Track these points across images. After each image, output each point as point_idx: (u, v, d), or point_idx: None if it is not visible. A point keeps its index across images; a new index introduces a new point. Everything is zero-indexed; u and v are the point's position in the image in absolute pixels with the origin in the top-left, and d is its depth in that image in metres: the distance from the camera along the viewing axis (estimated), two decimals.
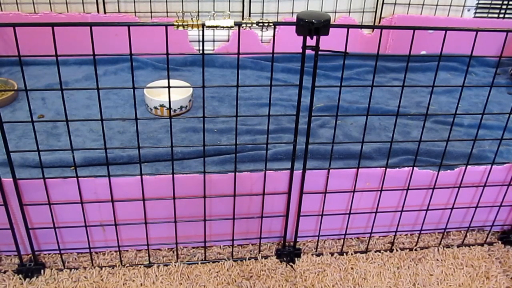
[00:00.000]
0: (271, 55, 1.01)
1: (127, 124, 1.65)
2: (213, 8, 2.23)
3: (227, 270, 1.20)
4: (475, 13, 2.44)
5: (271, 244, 1.29)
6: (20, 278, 1.14)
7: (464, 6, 2.41)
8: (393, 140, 1.16)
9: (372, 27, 2.49)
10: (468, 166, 1.20)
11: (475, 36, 0.99)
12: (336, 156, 1.53)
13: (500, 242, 1.33)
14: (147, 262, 1.21)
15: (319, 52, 0.94)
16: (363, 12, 2.38)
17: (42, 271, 1.16)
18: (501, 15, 2.43)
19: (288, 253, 1.24)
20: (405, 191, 1.21)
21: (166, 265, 1.20)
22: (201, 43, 2.26)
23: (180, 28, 0.89)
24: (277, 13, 2.30)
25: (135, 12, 2.21)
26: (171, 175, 1.08)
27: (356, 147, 1.53)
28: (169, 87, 0.99)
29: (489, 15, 2.44)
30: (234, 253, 1.25)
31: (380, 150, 1.54)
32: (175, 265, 1.20)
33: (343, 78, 1.03)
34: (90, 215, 1.13)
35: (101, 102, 0.97)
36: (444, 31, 0.98)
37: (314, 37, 0.91)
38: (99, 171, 1.39)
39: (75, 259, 1.21)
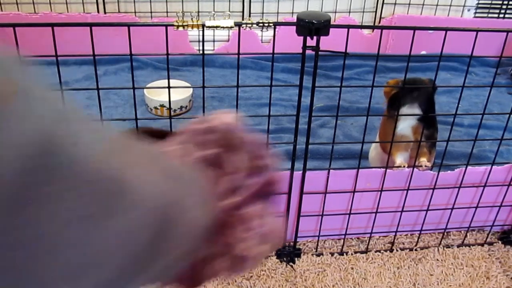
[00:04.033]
0: (271, 55, 1.00)
1: (127, 124, 1.65)
2: (213, 8, 2.23)
3: None
4: (475, 13, 2.44)
5: None
6: None
7: (464, 6, 2.41)
8: (393, 140, 1.16)
9: (372, 27, 2.49)
10: (469, 167, 1.20)
11: (475, 36, 0.99)
12: (336, 156, 1.53)
13: (500, 242, 1.33)
14: None
15: (319, 52, 0.94)
16: (363, 12, 2.38)
17: None
18: (501, 15, 2.43)
19: (288, 253, 1.24)
20: (405, 191, 1.21)
21: None
22: (201, 43, 2.26)
23: (180, 28, 0.89)
24: (277, 13, 2.30)
25: (135, 12, 2.21)
26: None
27: (356, 147, 1.53)
28: (169, 87, 0.99)
29: (489, 15, 2.44)
30: None
31: None
32: None
33: (343, 78, 1.03)
34: None
35: (101, 102, 0.96)
36: (444, 31, 0.98)
37: (314, 37, 0.91)
38: None
39: None
